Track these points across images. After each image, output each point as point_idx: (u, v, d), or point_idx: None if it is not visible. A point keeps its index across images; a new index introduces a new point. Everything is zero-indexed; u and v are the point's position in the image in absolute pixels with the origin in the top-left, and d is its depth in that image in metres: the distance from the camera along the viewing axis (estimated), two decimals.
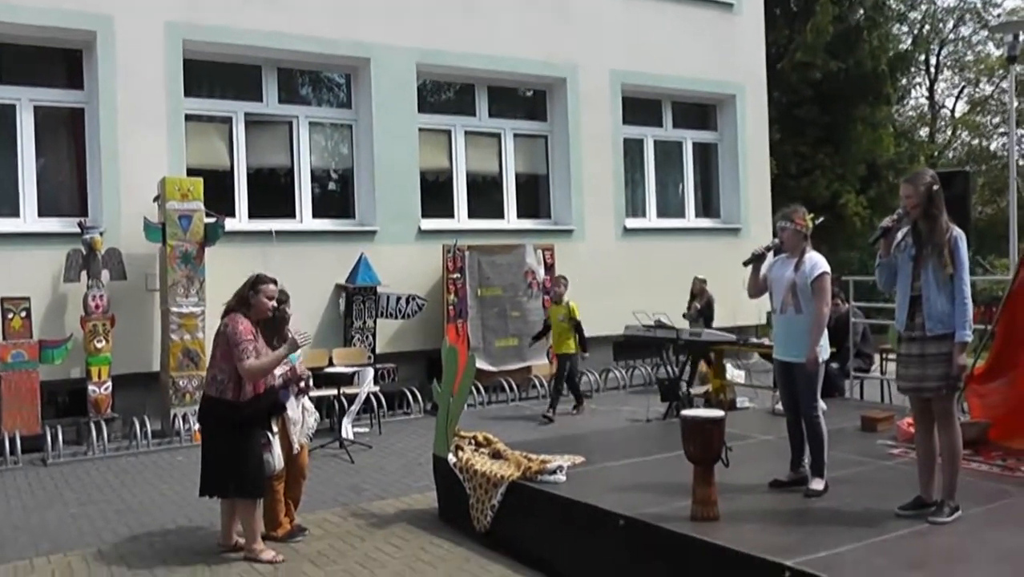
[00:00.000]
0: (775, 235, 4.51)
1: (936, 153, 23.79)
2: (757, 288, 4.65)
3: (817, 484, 4.39)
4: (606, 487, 4.46)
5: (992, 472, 4.76)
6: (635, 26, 11.32)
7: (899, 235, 4.09)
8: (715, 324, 9.50)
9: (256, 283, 4.34)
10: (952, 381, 3.86)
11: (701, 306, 9.56)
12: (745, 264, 4.38)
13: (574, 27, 10.93)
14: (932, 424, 4.00)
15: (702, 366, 8.41)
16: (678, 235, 11.59)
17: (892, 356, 8.94)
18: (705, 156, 12.43)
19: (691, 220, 12.08)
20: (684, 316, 9.24)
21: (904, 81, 22.49)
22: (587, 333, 8.52)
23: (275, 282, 4.42)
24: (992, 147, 25.84)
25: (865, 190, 17.15)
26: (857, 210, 15.95)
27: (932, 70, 25.70)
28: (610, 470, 4.92)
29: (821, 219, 4.97)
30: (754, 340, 8.71)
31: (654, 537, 3.77)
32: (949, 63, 26.33)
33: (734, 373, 9.04)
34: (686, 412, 4.38)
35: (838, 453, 4.48)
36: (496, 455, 4.97)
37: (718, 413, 4.34)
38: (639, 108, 11.58)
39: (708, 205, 12.38)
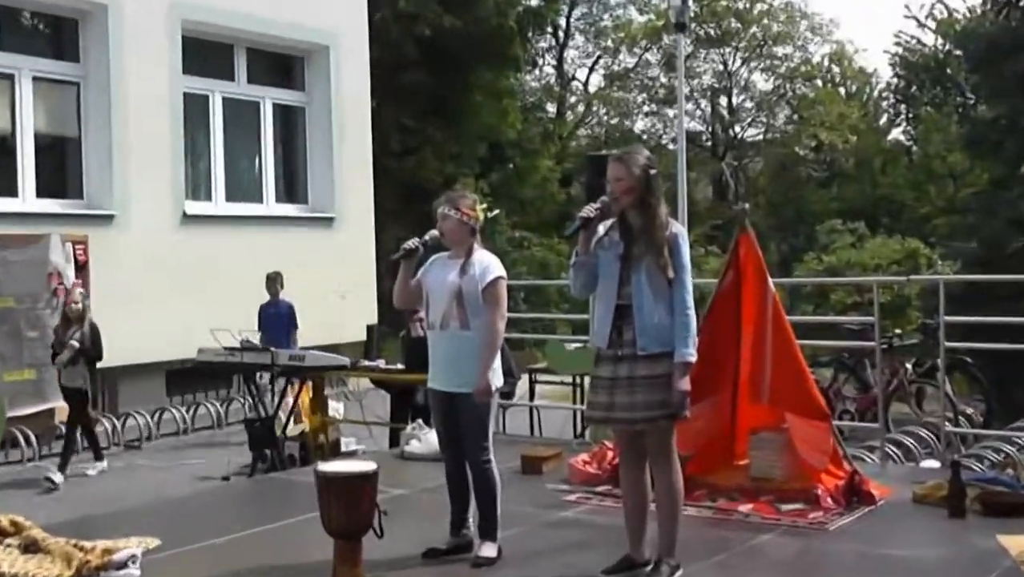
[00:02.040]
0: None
1: (566, 133, 26.49)
2: (406, 295, 4.64)
3: (489, 549, 4.42)
4: None
5: (704, 516, 4.99)
6: None
7: (601, 228, 4.17)
8: (303, 342, 9.42)
9: None
10: (674, 409, 3.97)
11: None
12: (567, 236, 4.30)
13: None
14: (643, 462, 4.10)
15: (302, 398, 8.18)
16: (254, 225, 11.38)
17: (545, 377, 9.50)
18: (290, 123, 12.37)
19: (271, 206, 11.93)
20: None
21: (537, 45, 24.64)
22: (129, 360, 7.96)
23: None
24: (637, 127, 29.49)
25: (486, 174, 18.50)
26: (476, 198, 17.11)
27: (561, 35, 28.13)
28: (199, 554, 4.64)
29: (496, 211, 5.09)
30: (367, 362, 8.70)
31: None
32: (582, 27, 29.16)
33: (336, 407, 9.04)
34: (324, 467, 4.15)
35: (502, 505, 4.47)
36: (32, 547, 4.22)
37: (368, 466, 4.16)
38: (205, 54, 11.21)
39: (293, 187, 12.35)
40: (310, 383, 8.10)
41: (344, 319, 11.73)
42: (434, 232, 4.66)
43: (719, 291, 5.64)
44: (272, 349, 7.71)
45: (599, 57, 29.64)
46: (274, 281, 9.66)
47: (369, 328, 12.41)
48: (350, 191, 12.35)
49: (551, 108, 27.27)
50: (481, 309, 4.52)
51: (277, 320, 9.39)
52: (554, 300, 18.35)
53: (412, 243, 4.61)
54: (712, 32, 28.01)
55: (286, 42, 11.92)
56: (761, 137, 28.75)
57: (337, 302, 11.68)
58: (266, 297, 9.70)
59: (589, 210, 4.10)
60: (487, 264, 4.59)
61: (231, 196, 11.50)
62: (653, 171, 4.12)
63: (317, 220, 12.12)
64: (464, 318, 4.51)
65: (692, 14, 20.68)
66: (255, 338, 8.01)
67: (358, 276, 12.13)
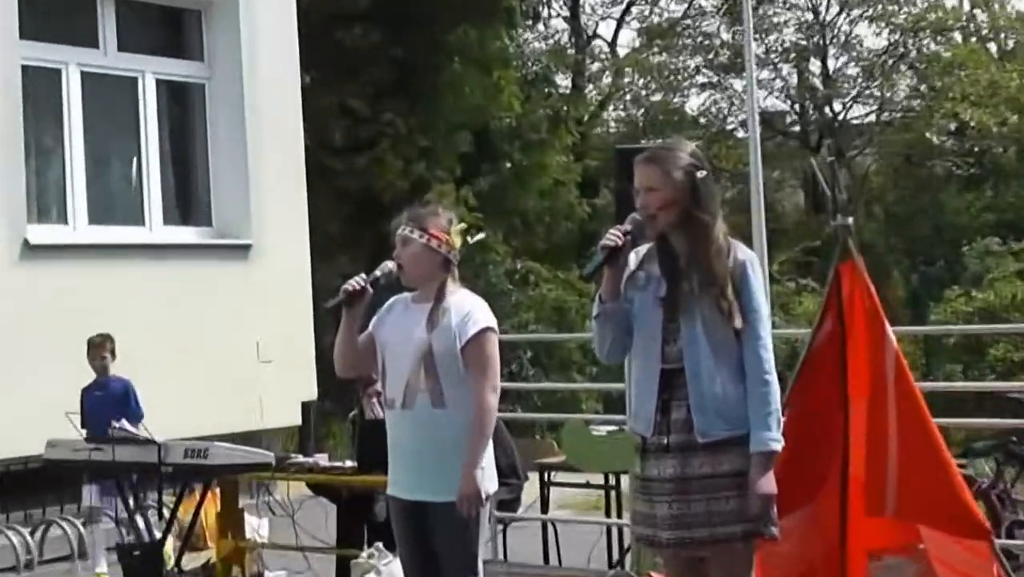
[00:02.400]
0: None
1: (587, 116, 26.55)
2: (350, 357, 4.80)
3: None
4: None
5: None
6: None
7: (633, 260, 4.25)
8: (208, 429, 9.41)
9: None
10: (752, 525, 4.02)
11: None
12: (587, 275, 4.47)
13: None
14: None
15: (205, 513, 8.18)
16: (132, 257, 11.39)
17: (565, 478, 9.45)
18: (183, 109, 12.46)
19: (156, 230, 11.95)
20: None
21: None
22: None
23: None
24: (691, 106, 29.71)
25: (471, 178, 18.50)
26: (462, 216, 17.11)
27: None
28: None
29: (483, 234, 5.25)
30: (302, 458, 8.69)
31: None
32: None
33: (256, 525, 9.02)
34: None
35: None
36: None
37: None
38: (53, 10, 11.33)
39: (189, 202, 12.40)
40: (218, 490, 8.06)
41: (268, 394, 11.68)
42: (390, 264, 4.72)
43: (813, 346, 5.66)
44: (160, 441, 7.69)
45: (631, 3, 29.95)
46: (99, 349, 9.03)
47: (305, 407, 12.39)
48: (274, 206, 12.38)
49: (564, 81, 27.48)
50: (462, 377, 4.58)
51: (103, 407, 8.67)
52: (575, 361, 18.42)
53: (356, 282, 4.67)
54: None
55: None
56: (873, 118, 29.01)
57: (257, 369, 11.67)
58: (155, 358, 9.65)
59: (614, 236, 4.18)
60: (468, 310, 4.65)
61: (96, 217, 11.48)
62: (701, 173, 4.19)
63: (226, 249, 12.12)
64: (437, 390, 4.57)
65: None
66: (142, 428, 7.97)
67: (287, 329, 12.13)
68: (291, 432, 12.62)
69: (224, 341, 11.17)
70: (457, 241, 4.72)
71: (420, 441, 4.62)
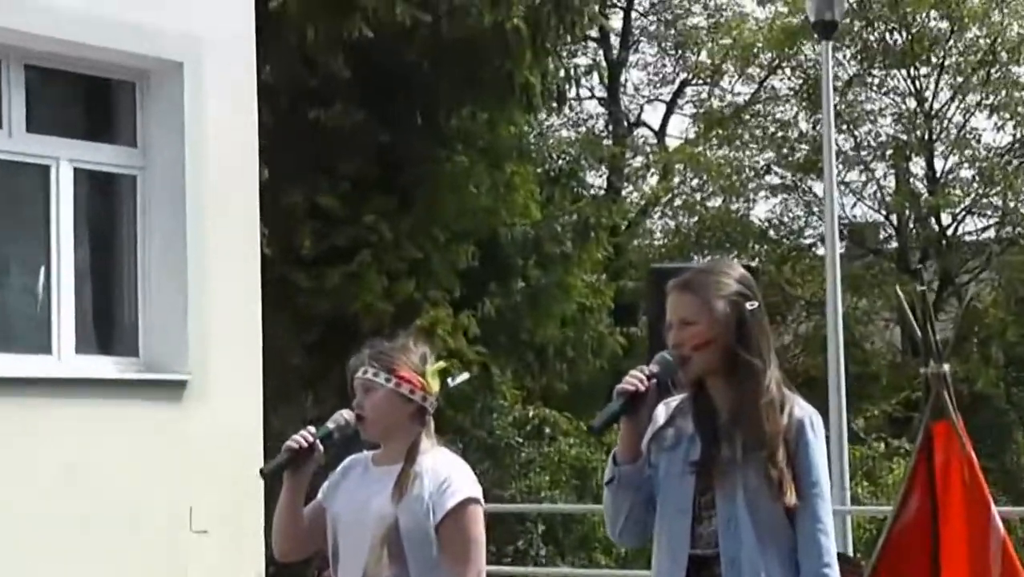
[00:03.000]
0: None
1: (625, 224, 26.71)
2: (292, 534, 4.89)
3: None
4: None
5: None
6: None
7: (660, 414, 4.29)
8: None
9: None
10: None
11: None
12: (596, 430, 4.45)
13: None
14: None
15: None
16: (34, 395, 11.33)
17: None
18: (108, 206, 12.42)
19: (67, 360, 11.89)
20: None
21: (570, 62, 24.14)
22: None
23: None
24: (757, 214, 29.90)
25: (473, 302, 18.49)
26: (461, 349, 17.06)
27: (615, 41, 28.75)
28: None
29: (466, 375, 5.45)
30: None
31: None
32: (651, 27, 30.10)
33: None
34: None
35: None
36: None
37: None
38: None
39: (110, 326, 12.36)
40: None
41: (203, 575, 11.58)
42: (347, 415, 4.76)
43: (896, 528, 5.70)
44: None
45: (684, 83, 30.26)
46: None
47: None
48: (219, 332, 12.34)
49: (596, 179, 27.85)
50: (436, 561, 4.58)
51: None
52: (600, 539, 18.29)
53: (303, 437, 4.72)
54: (894, 36, 28.41)
55: (102, 57, 12.11)
56: (992, 233, 29.06)
57: (189, 543, 11.59)
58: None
59: (635, 379, 4.20)
60: (445, 476, 4.66)
61: None
62: (751, 305, 4.23)
63: (155, 386, 12.06)
64: None
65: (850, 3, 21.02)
66: None
67: (231, 492, 12.04)
68: None
69: (146, 506, 11.03)
70: (434, 384, 4.73)
71: None
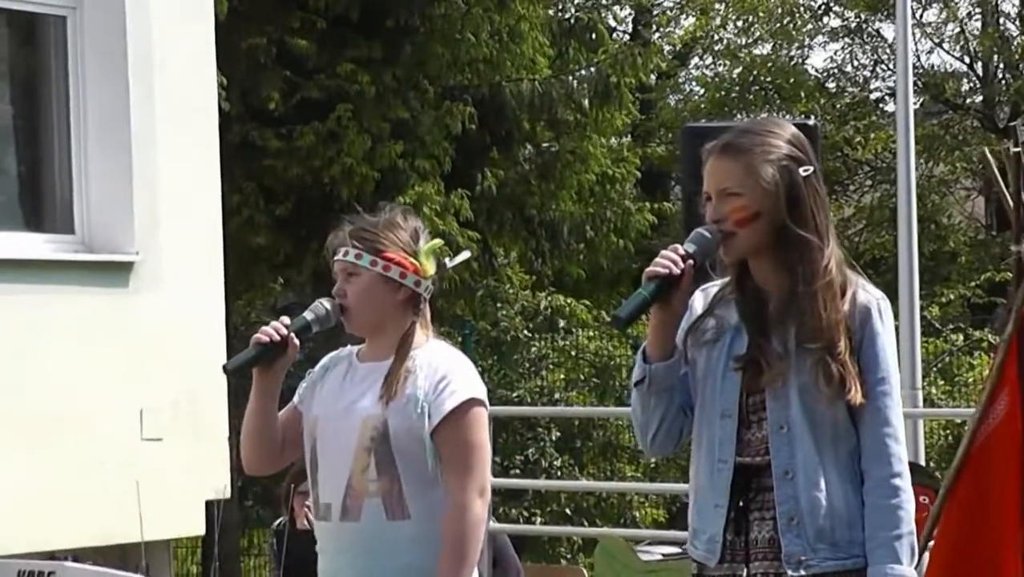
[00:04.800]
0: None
1: (655, 77, 26.66)
2: (263, 442, 4.90)
3: None
4: None
5: None
6: None
7: (697, 302, 4.31)
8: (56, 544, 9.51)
9: None
10: None
11: None
12: (622, 321, 4.37)
13: None
14: None
15: None
16: None
17: None
18: (29, 55, 12.39)
19: None
20: None
21: None
22: None
23: None
24: (816, 63, 30.03)
25: (469, 172, 18.58)
26: (451, 232, 17.05)
27: None
28: None
29: (466, 253, 5.38)
30: None
31: None
32: None
33: None
34: None
35: None
36: None
37: None
38: None
39: (39, 198, 12.36)
40: None
41: (155, 490, 11.65)
42: (327, 305, 4.78)
43: (979, 434, 5.72)
44: None
45: None
46: None
47: (211, 510, 12.39)
48: (171, 204, 12.39)
49: (620, 25, 27.65)
50: (433, 474, 4.65)
51: None
52: (625, 447, 18.36)
53: (276, 329, 4.72)
54: None
55: None
56: None
57: (139, 452, 11.68)
58: None
59: (668, 261, 4.19)
60: (443, 373, 4.71)
61: None
62: (805, 170, 4.22)
63: (96, 269, 12.11)
64: (395, 493, 4.66)
65: None
66: None
67: (187, 393, 12.11)
68: (190, 547, 12.54)
69: (89, 409, 11.10)
70: (429, 266, 4.74)
71: (368, 569, 4.66)
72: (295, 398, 4.82)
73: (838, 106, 27.95)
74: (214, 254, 12.64)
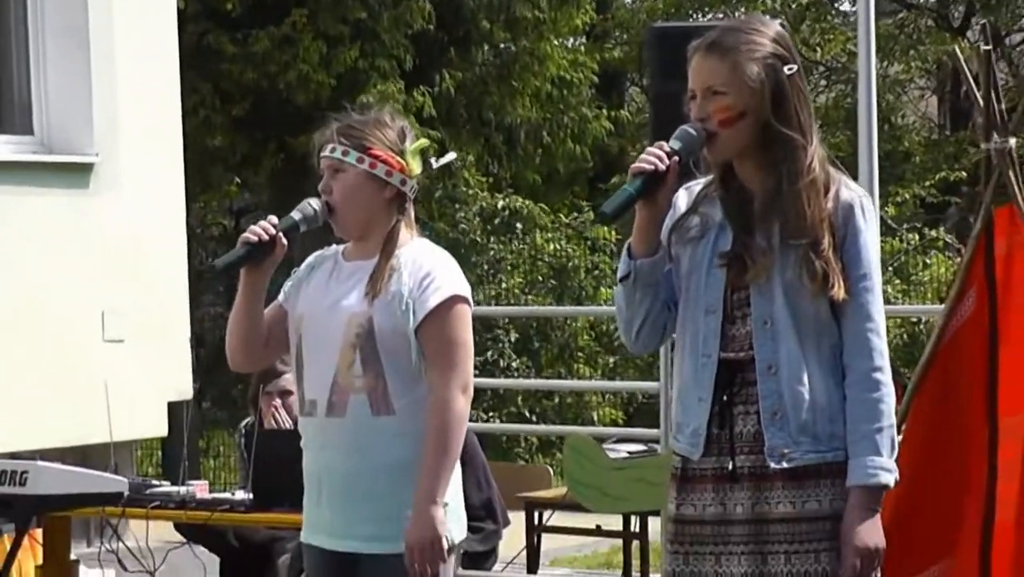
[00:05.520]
0: None
1: None
2: (251, 338, 4.91)
3: None
4: None
5: None
6: None
7: (681, 199, 4.33)
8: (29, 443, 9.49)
9: None
10: None
11: None
12: (607, 217, 4.41)
13: None
14: None
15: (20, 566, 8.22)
16: None
17: (566, 521, 9.66)
18: None
19: None
20: None
21: None
22: None
23: None
24: None
25: (428, 74, 18.59)
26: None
27: None
28: None
29: (452, 155, 5.57)
30: (169, 487, 8.76)
31: None
32: None
33: None
34: None
35: None
36: None
37: None
38: None
39: None
40: (40, 532, 8.17)
41: (118, 391, 11.63)
42: (314, 203, 4.79)
43: (947, 331, 5.75)
44: None
45: None
46: None
47: (174, 410, 12.41)
48: (130, 105, 12.35)
49: None
50: (418, 369, 4.69)
51: None
52: (583, 347, 18.41)
53: (264, 228, 4.73)
54: None
55: None
56: None
57: (102, 353, 11.69)
58: None
59: (654, 157, 4.20)
60: (428, 271, 4.74)
61: None
62: (790, 68, 4.24)
63: (55, 170, 12.08)
64: (380, 389, 4.69)
65: None
66: None
67: (148, 294, 12.11)
68: (152, 448, 12.57)
69: (51, 311, 11.09)
70: (415, 165, 4.76)
71: (353, 464, 4.69)
72: (280, 296, 4.85)
73: (793, 6, 27.83)
74: (174, 155, 12.60)
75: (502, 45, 20.04)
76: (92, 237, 11.85)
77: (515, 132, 20.26)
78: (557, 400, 17.88)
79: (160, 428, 12.30)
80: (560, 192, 22.88)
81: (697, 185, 4.35)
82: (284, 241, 4.73)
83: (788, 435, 4.15)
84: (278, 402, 8.00)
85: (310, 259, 4.87)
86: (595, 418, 17.48)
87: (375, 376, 4.65)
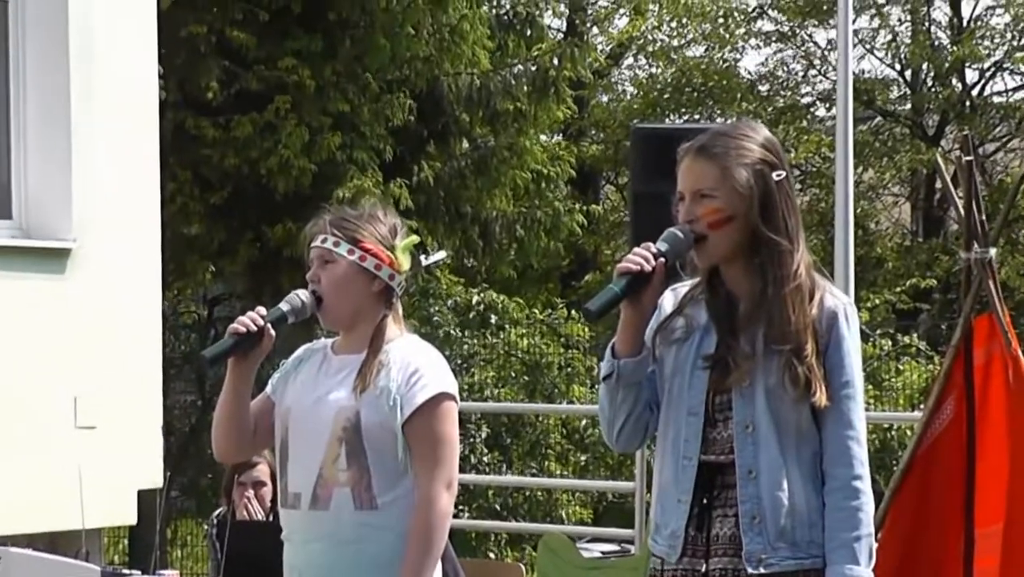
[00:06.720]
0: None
1: (591, 76, 26.25)
2: (238, 430, 4.90)
3: None
4: None
5: None
6: None
7: (667, 301, 4.35)
8: None
9: None
10: None
11: None
12: (593, 315, 4.35)
13: None
14: None
15: None
16: None
17: None
18: None
19: None
20: None
21: None
22: None
23: None
24: (748, 65, 30.27)
25: (406, 166, 18.50)
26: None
27: None
28: None
29: (442, 253, 5.60)
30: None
31: None
32: None
33: None
34: None
35: None
36: None
37: None
38: None
39: None
40: None
41: (89, 478, 11.59)
42: (303, 295, 4.80)
43: (926, 439, 5.77)
44: None
45: None
46: None
47: (144, 499, 12.34)
48: (108, 191, 12.34)
49: (557, 21, 27.76)
50: (403, 465, 4.69)
51: None
52: (554, 445, 18.36)
53: (252, 320, 4.74)
54: None
55: None
56: None
57: (73, 440, 11.62)
58: None
59: (641, 257, 4.22)
60: (416, 367, 4.75)
61: None
62: (778, 174, 4.27)
63: (32, 255, 12.04)
64: (364, 484, 4.69)
65: None
66: None
67: (122, 381, 12.06)
68: (118, 535, 12.46)
69: (23, 396, 11.04)
70: (404, 262, 4.78)
71: (335, 557, 4.69)
72: (268, 388, 4.85)
73: (770, 109, 28.01)
74: (151, 242, 12.57)
75: (479, 140, 20.07)
76: (67, 323, 11.80)
77: (490, 225, 20.25)
78: (527, 495, 17.79)
79: (130, 516, 12.20)
80: (534, 288, 22.93)
81: (683, 287, 4.36)
82: (272, 332, 4.74)
83: (766, 540, 4.15)
84: (251, 493, 7.98)
85: (299, 352, 4.88)
86: (564, 516, 17.42)
87: (359, 470, 4.64)
